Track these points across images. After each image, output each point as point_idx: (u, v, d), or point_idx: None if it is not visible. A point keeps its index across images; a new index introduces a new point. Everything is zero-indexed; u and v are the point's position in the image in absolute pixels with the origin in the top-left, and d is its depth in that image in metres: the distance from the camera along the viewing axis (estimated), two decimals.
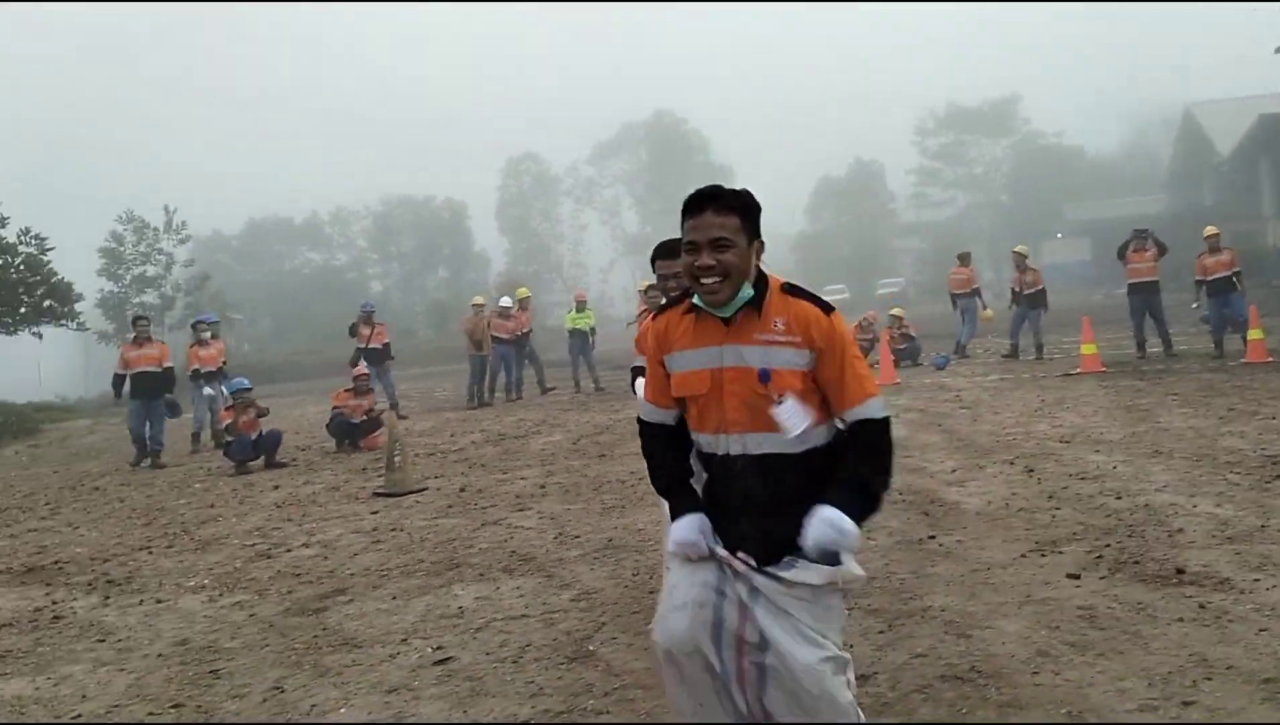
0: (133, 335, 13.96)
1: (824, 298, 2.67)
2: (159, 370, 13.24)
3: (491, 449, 11.56)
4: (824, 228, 73.11)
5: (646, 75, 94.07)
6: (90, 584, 6.75)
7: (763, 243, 2.65)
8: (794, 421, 2.55)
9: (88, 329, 29.69)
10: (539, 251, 75.92)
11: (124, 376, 13.11)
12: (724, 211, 2.54)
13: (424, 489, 9.16)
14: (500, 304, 18.17)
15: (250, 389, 12.18)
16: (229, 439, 11.86)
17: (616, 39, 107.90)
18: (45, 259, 23.04)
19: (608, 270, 74.97)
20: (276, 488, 10.20)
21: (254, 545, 7.48)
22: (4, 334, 22.05)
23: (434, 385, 24.13)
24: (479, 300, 18.61)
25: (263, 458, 11.84)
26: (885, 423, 2.61)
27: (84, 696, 4.55)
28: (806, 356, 2.56)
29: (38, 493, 11.59)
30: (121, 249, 39.42)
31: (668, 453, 2.83)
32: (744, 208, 2.58)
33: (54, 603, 6.31)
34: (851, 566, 2.59)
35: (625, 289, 71.26)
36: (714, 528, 2.67)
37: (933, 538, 5.84)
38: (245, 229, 75.37)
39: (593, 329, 18.25)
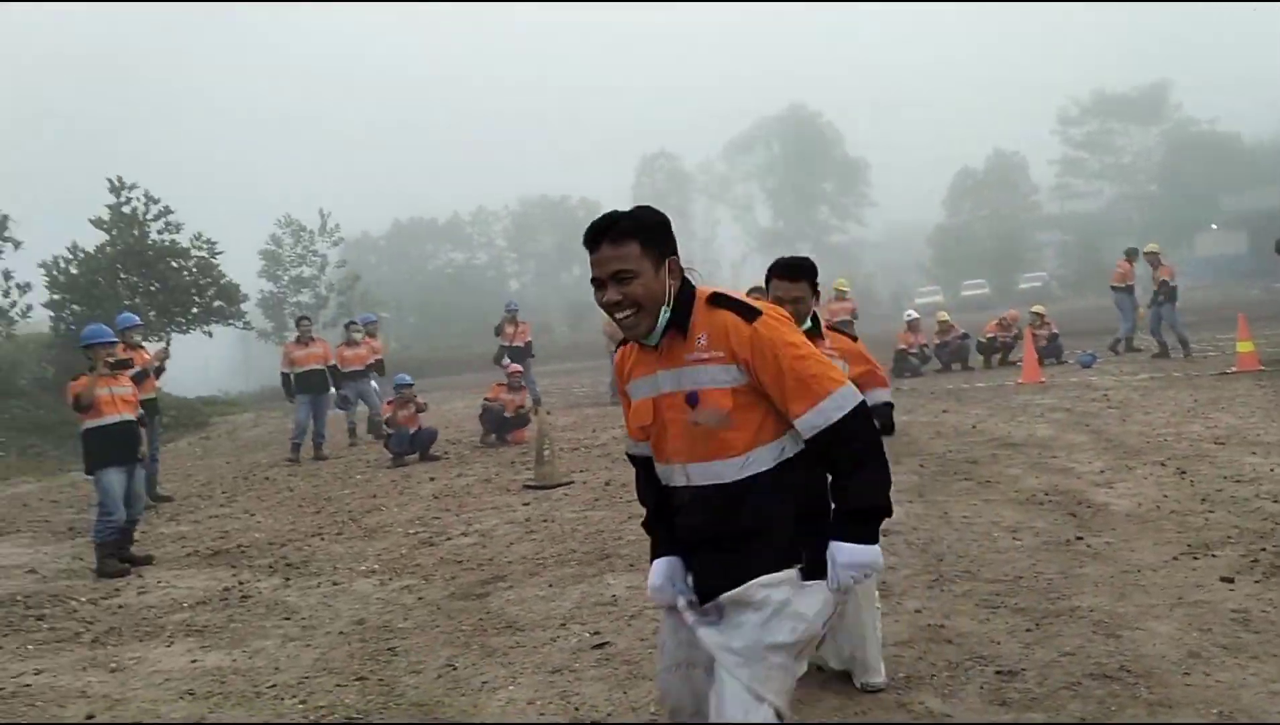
0: (296, 335, 14.80)
1: (751, 302, 2.49)
2: (323, 367, 14.02)
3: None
4: (962, 221, 71.17)
5: (779, 69, 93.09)
6: (271, 567, 7.34)
7: (677, 258, 2.48)
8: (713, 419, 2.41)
9: (253, 328, 31.53)
10: None
11: (290, 375, 13.91)
12: (620, 241, 2.40)
13: (570, 482, 9.52)
14: None
15: (411, 385, 12.81)
16: (388, 432, 12.52)
17: (748, 34, 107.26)
18: (215, 262, 24.60)
19: (740, 266, 74.91)
20: (433, 479, 10.74)
21: (416, 533, 7.96)
22: (178, 332, 23.63)
23: (572, 382, 24.70)
24: None
25: (419, 452, 12.45)
26: (856, 417, 2.34)
27: (276, 668, 5.01)
28: (734, 372, 2.39)
29: (214, 482, 12.50)
30: (280, 251, 41.60)
31: (648, 487, 2.68)
32: (642, 231, 2.42)
33: (240, 583, 6.90)
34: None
35: (759, 284, 71.02)
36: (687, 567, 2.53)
37: (1080, 539, 5.81)
38: (392, 230, 78.44)
39: None
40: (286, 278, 41.65)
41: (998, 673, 3.95)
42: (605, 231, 2.42)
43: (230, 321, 25.44)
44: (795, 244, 74.93)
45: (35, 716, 4.66)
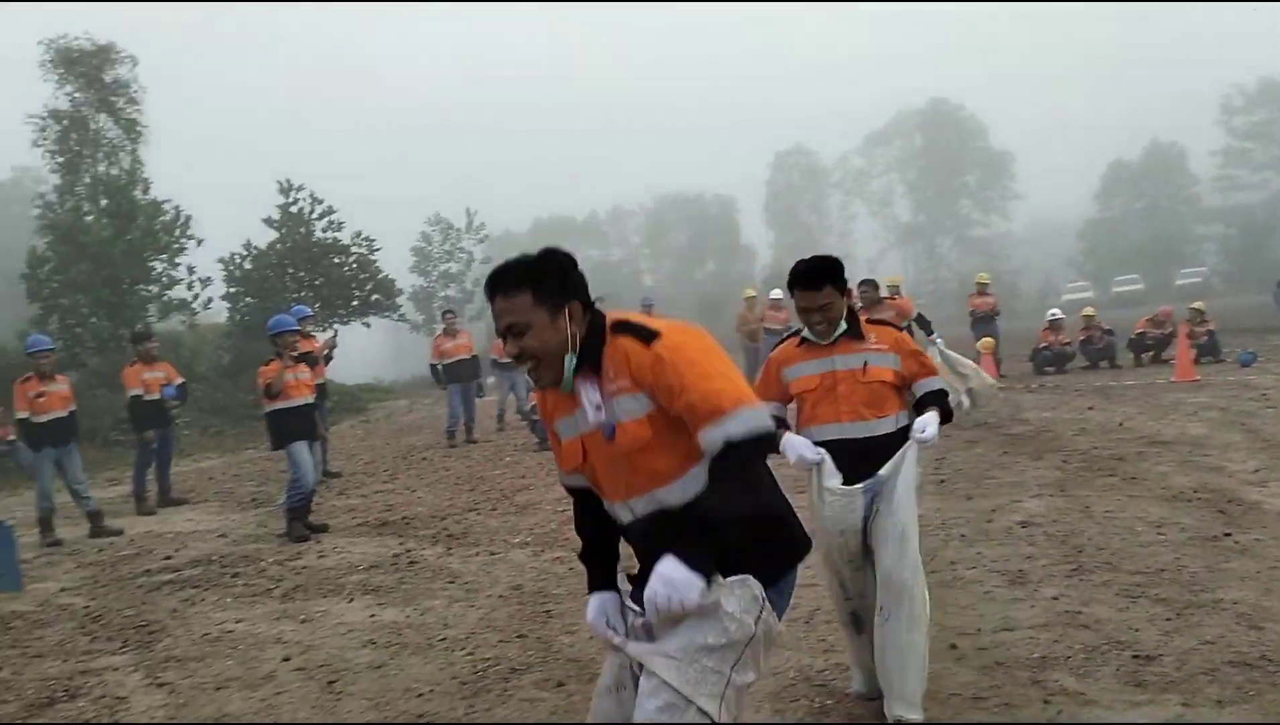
0: (442, 327, 15.45)
1: (649, 323, 2.34)
2: (469, 357, 14.67)
3: None
4: (1115, 215, 68.10)
5: (919, 62, 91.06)
6: (434, 537, 7.90)
7: (580, 303, 2.34)
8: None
9: (407, 321, 33.05)
10: (805, 243, 75.83)
11: (439, 365, 14.58)
12: (511, 293, 2.29)
13: None
14: (772, 296, 18.61)
15: None
16: (534, 418, 13.08)
17: (886, 27, 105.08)
18: (373, 258, 25.96)
19: (876, 261, 73.72)
20: None
21: (564, 512, 8.38)
22: (340, 324, 25.04)
23: None
24: (750, 292, 19.09)
25: None
26: (753, 440, 2.19)
27: (445, 625, 5.49)
28: (644, 400, 2.28)
29: (376, 462, 13.32)
30: (429, 248, 43.36)
31: (585, 518, 2.60)
32: (532, 277, 2.30)
33: (407, 550, 7.48)
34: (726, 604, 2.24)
35: (903, 277, 69.75)
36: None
37: (1228, 535, 5.77)
38: (532, 227, 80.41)
39: None
40: (435, 273, 43.33)
41: (1134, 657, 4.06)
42: (497, 283, 2.31)
43: (386, 314, 26.80)
44: (935, 238, 73.41)
45: (238, 659, 5.26)
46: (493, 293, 2.33)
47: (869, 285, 11.09)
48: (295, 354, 8.54)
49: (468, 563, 6.93)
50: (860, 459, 3.65)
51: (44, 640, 5.96)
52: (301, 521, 8.36)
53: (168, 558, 8.13)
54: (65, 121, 24.65)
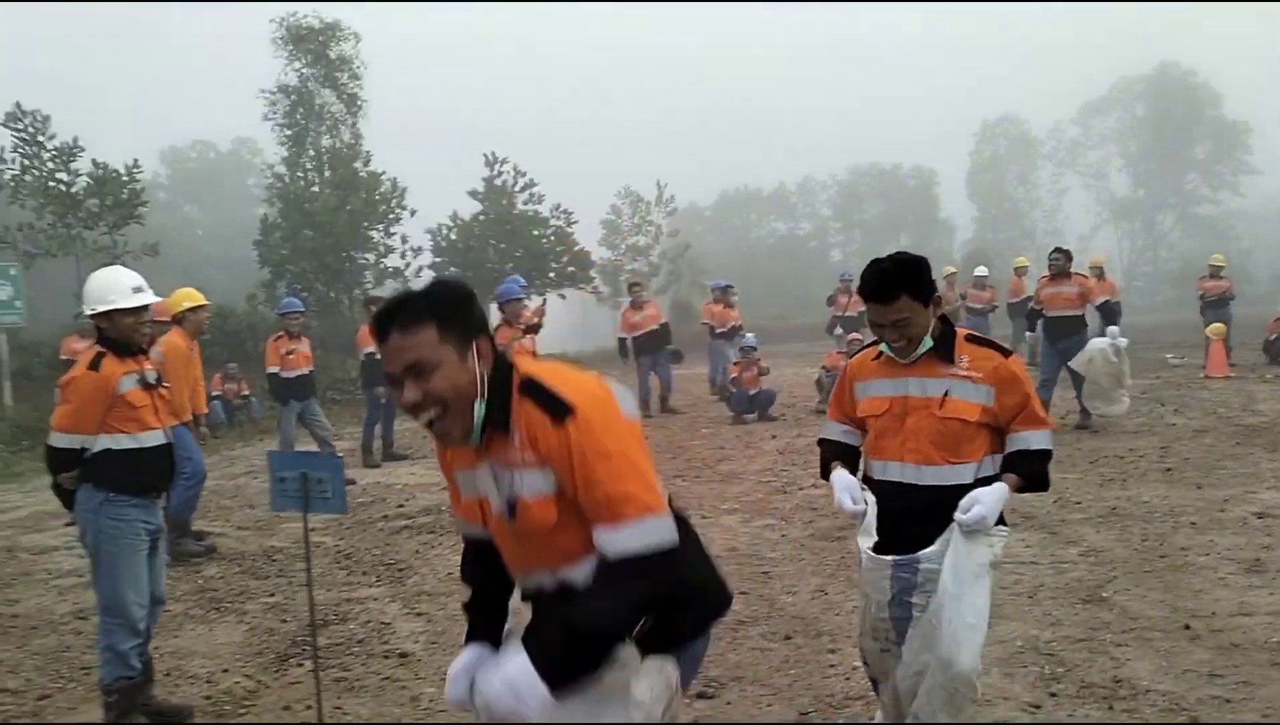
0: (629, 300, 15.72)
1: (563, 396, 1.99)
2: (658, 328, 14.95)
3: None
4: None
5: (1145, 25, 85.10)
6: None
7: (487, 340, 2.03)
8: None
9: (599, 292, 33.99)
10: (1011, 217, 72.61)
11: (626, 338, 14.93)
12: (411, 327, 1.94)
13: None
14: (976, 273, 18.15)
15: (756, 348, 13.55)
16: (731, 392, 13.35)
17: None
18: (570, 231, 26.86)
19: (1088, 238, 69.80)
20: (774, 438, 11.39)
21: (769, 482, 8.63)
22: (536, 295, 26.07)
23: None
24: (951, 270, 18.67)
25: (757, 412, 13.17)
26: (654, 558, 1.94)
27: None
28: (550, 478, 2.00)
29: None
30: (619, 221, 44.30)
31: (475, 568, 2.35)
32: (437, 308, 1.97)
33: None
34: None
35: (1110, 258, 65.99)
36: None
37: None
38: (718, 200, 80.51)
39: None
40: (624, 246, 44.26)
41: None
42: (392, 317, 1.96)
43: (580, 285, 27.69)
44: (1155, 215, 68.82)
45: None
46: (386, 330, 1.96)
47: (1061, 255, 10.61)
48: (523, 324, 9.05)
49: None
50: (923, 512, 2.97)
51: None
52: None
53: (400, 506, 8.86)
54: (293, 96, 26.61)
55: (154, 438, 4.10)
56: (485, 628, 2.28)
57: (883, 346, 3.10)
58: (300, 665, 4.80)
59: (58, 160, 18.74)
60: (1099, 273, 17.26)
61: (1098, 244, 65.37)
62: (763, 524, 7.09)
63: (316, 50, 26.40)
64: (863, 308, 12.75)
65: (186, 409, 7.01)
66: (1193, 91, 67.82)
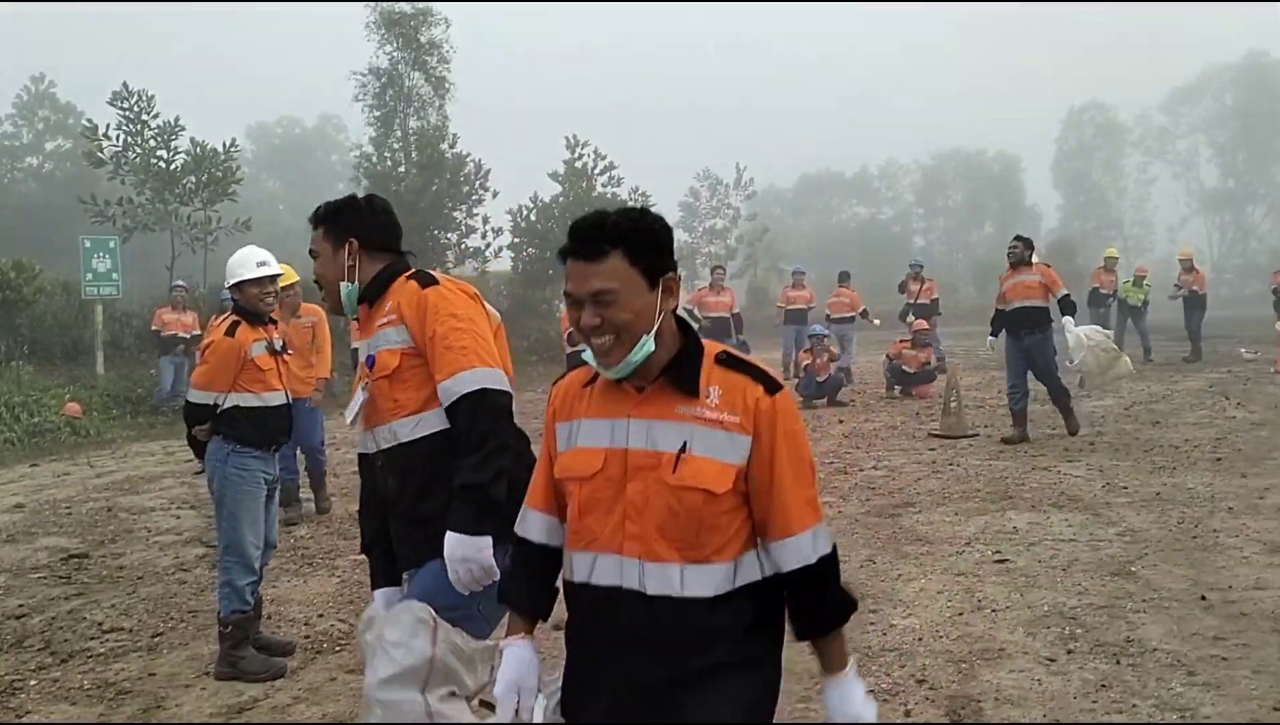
0: (709, 282, 16.12)
1: (436, 275, 2.79)
2: (728, 315, 15.32)
3: (1039, 407, 12.08)
4: None
5: (1235, 12, 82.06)
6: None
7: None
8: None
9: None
10: (1097, 206, 70.99)
11: (702, 320, 15.30)
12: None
13: (975, 435, 10.13)
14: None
15: (826, 335, 13.91)
16: (800, 376, 13.73)
17: None
18: None
19: (1177, 229, 67.95)
20: (841, 422, 11.77)
21: (831, 464, 9.04)
22: None
23: (977, 343, 24.56)
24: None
25: (826, 397, 13.54)
26: (479, 398, 2.57)
27: None
28: (404, 334, 2.66)
29: None
30: (697, 203, 44.57)
31: (368, 503, 2.90)
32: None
33: None
34: None
35: (1199, 250, 64.23)
36: None
37: None
38: (799, 182, 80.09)
39: (1145, 302, 17.47)
40: (701, 228, 44.53)
41: None
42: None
43: None
44: (1245, 207, 66.69)
45: None
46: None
47: (1020, 242, 9.97)
48: None
49: None
50: (653, 643, 1.81)
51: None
52: None
53: None
54: (383, 78, 27.50)
55: (276, 398, 4.66)
56: (386, 570, 2.82)
57: (586, 354, 1.92)
58: None
59: (159, 138, 19.69)
60: (1188, 265, 17.21)
61: (1186, 236, 63.54)
62: (821, 501, 7.50)
63: (408, 34, 27.25)
64: (935, 295, 13.05)
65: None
66: None
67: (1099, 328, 10.02)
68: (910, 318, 16.09)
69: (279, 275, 4.79)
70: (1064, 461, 8.47)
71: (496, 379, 2.52)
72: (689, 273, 42.52)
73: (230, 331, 4.52)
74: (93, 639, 4.99)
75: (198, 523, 7.58)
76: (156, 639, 4.98)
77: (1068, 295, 9.68)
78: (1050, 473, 7.99)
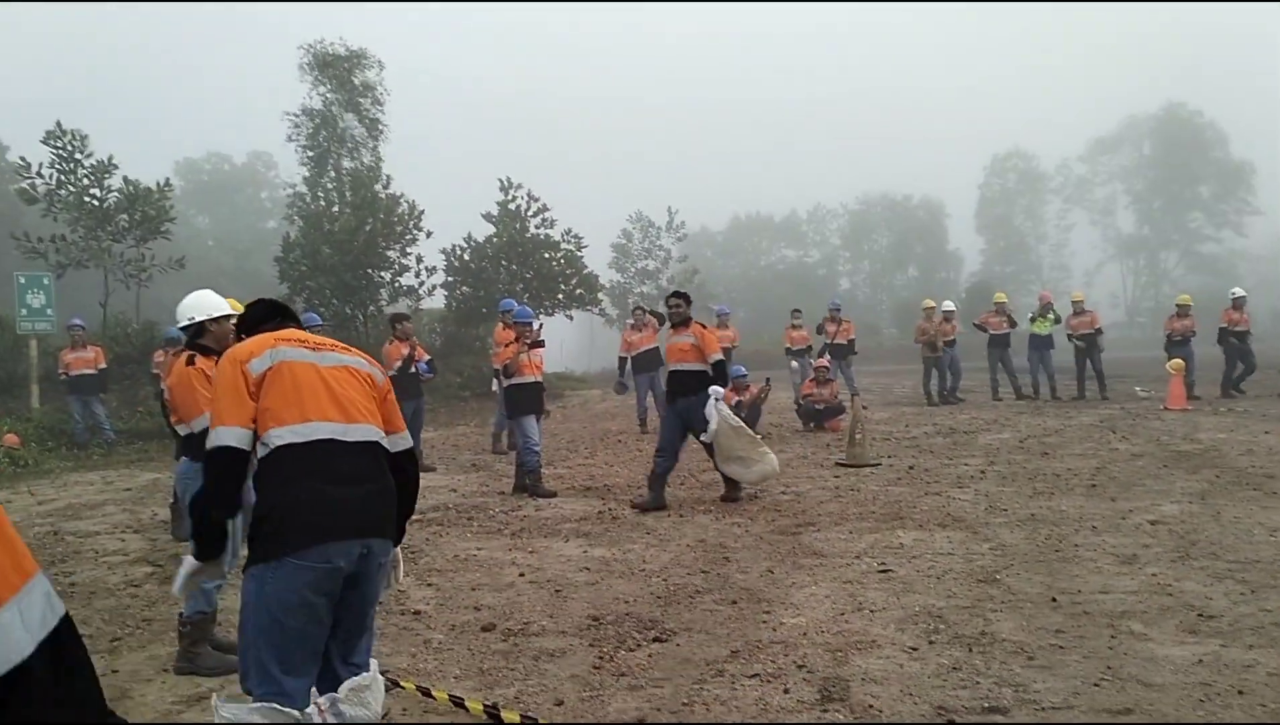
0: (631, 321, 16.68)
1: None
2: (654, 348, 15.87)
3: (942, 440, 12.92)
4: None
5: (1154, 65, 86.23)
6: (631, 501, 9.31)
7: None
8: None
9: (606, 314, 35.03)
10: (1018, 251, 73.70)
11: (627, 358, 15.93)
12: None
13: (878, 464, 10.83)
14: (944, 308, 19.05)
15: (745, 375, 14.61)
16: (804, 404, 14.52)
17: (1119, 27, 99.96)
18: (580, 254, 27.95)
19: (1094, 272, 70.82)
20: None
21: (744, 490, 9.62)
22: (545, 315, 27.14)
23: (894, 382, 25.59)
24: (930, 303, 19.58)
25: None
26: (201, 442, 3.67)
27: (643, 561, 6.85)
28: None
29: (576, 442, 14.96)
30: (629, 245, 45.44)
31: None
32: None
33: (610, 509, 8.92)
34: None
35: (1113, 294, 66.91)
36: None
37: None
38: (730, 225, 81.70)
39: (1050, 335, 18.46)
40: (633, 269, 45.36)
41: (1199, 615, 4.97)
42: None
43: (588, 308, 28.75)
44: (1159, 253, 69.80)
45: (484, 572, 6.78)
46: None
47: (680, 299, 9.47)
48: (529, 342, 10.13)
49: (660, 521, 8.29)
50: None
51: None
52: (538, 481, 9.86)
53: None
54: (317, 119, 27.89)
55: None
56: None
57: None
58: None
59: (92, 177, 19.84)
60: (1079, 307, 18.20)
61: (1101, 281, 66.29)
62: (731, 522, 8.11)
63: (341, 76, 27.71)
64: (852, 336, 13.91)
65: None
66: (1199, 131, 69.02)
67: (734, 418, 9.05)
68: (827, 357, 16.88)
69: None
70: (954, 487, 9.19)
71: (214, 433, 3.15)
72: (621, 312, 43.30)
73: (190, 362, 4.96)
74: None
75: (143, 545, 7.92)
76: (115, 643, 5.37)
77: (720, 361, 9.05)
78: (940, 497, 8.70)
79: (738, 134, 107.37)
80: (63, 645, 1.53)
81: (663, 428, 9.59)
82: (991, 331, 18.46)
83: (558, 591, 6.15)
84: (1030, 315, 18.66)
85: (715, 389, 8.90)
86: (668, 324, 14.19)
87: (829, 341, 17.77)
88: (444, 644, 5.22)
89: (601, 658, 4.83)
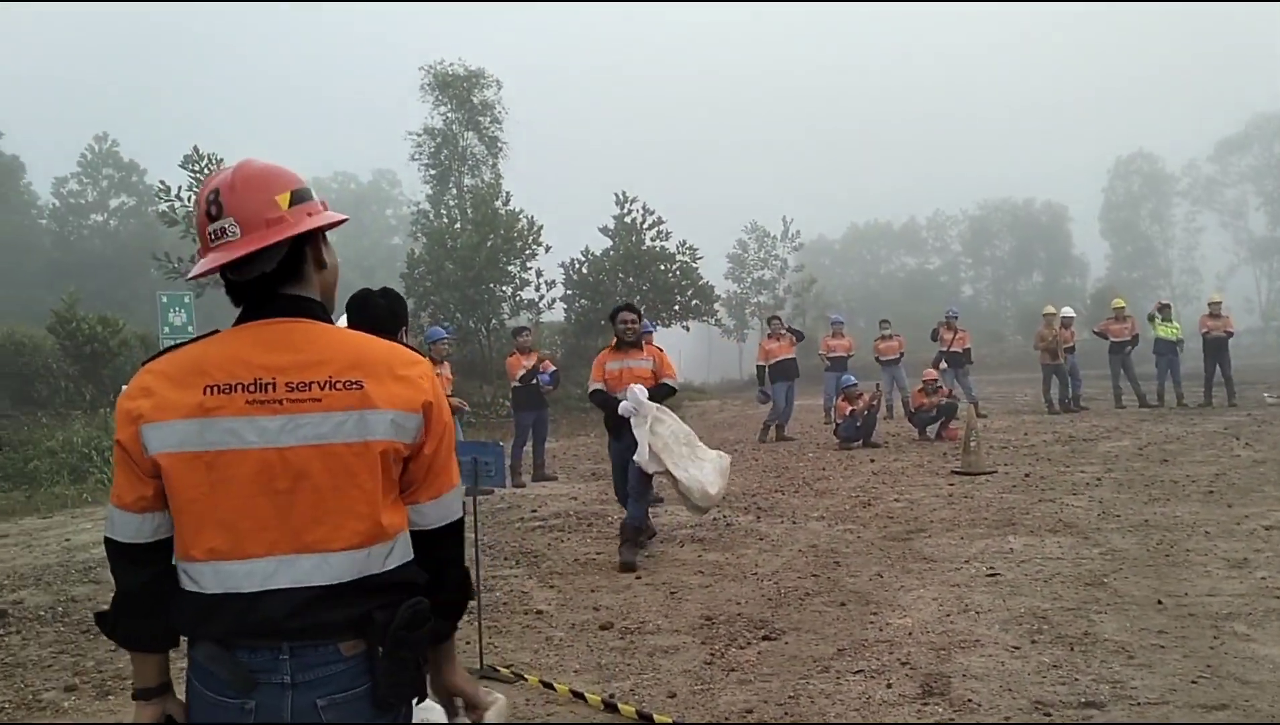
0: (769, 332, 17.02)
1: None
2: (790, 358, 16.16)
3: (1060, 448, 12.77)
4: None
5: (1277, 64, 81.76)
6: (745, 508, 9.60)
7: None
8: None
9: (724, 325, 35.34)
10: (1145, 255, 70.92)
11: (765, 366, 16.19)
12: None
13: (994, 472, 10.83)
14: (1064, 314, 18.63)
15: (855, 384, 14.71)
16: (837, 422, 14.51)
17: (1247, 22, 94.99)
18: (695, 266, 28.34)
19: (1225, 277, 67.54)
20: (873, 461, 12.53)
21: (857, 497, 9.82)
22: (662, 327, 27.62)
23: (1015, 390, 25.11)
24: (1050, 310, 19.22)
25: (862, 439, 14.30)
26: None
27: (756, 565, 7.13)
28: None
29: None
30: (745, 255, 45.60)
31: None
32: None
33: (723, 516, 9.21)
34: None
35: (1247, 298, 63.76)
36: None
37: None
38: (847, 233, 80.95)
39: (1180, 340, 17.92)
40: (749, 279, 45.49)
41: None
42: None
43: (704, 318, 29.12)
44: None
45: (602, 575, 7.16)
46: None
47: (634, 313, 8.25)
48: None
49: (773, 528, 8.55)
50: None
51: None
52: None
53: (534, 511, 10.35)
54: (438, 138, 29.03)
55: None
56: None
57: None
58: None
59: None
60: (1215, 310, 17.61)
61: (1234, 285, 63.16)
62: (843, 529, 8.31)
63: (461, 96, 28.79)
64: (968, 345, 13.91)
65: None
66: None
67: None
68: (944, 365, 16.80)
69: None
70: (1069, 494, 9.16)
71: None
72: (738, 322, 43.49)
73: None
74: None
75: None
76: None
77: (666, 383, 8.05)
78: (1054, 504, 8.71)
79: (853, 143, 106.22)
80: None
81: (625, 475, 7.94)
82: (1112, 338, 18.01)
83: (672, 593, 6.49)
84: (1149, 316, 18.10)
85: (633, 388, 7.52)
86: (787, 338, 14.10)
87: (944, 349, 17.67)
88: (564, 641, 5.61)
89: (713, 654, 5.14)
